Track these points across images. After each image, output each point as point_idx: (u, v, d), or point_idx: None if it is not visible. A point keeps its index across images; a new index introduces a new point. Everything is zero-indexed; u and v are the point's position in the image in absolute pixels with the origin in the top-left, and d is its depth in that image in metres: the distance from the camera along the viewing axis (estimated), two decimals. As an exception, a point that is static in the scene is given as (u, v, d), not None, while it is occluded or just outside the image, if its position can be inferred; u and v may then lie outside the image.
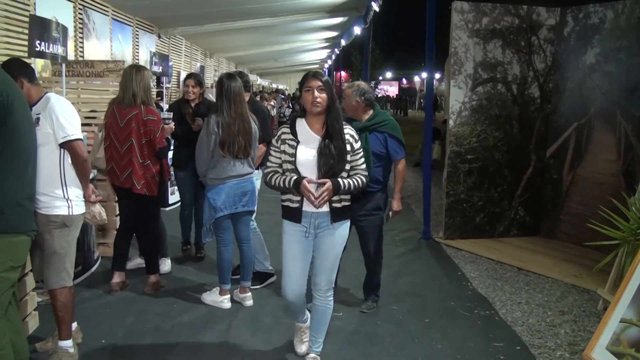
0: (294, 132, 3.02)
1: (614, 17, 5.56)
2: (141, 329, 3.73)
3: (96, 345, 3.48)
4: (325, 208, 3.01)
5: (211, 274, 4.69)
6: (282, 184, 2.98)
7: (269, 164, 3.11)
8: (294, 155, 2.97)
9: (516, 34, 5.98)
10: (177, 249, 5.28)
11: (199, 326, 3.82)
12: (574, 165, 5.98)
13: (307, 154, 2.97)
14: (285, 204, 3.09)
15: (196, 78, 5.09)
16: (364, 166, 3.09)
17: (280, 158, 3.04)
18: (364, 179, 3.04)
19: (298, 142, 2.99)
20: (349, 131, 3.05)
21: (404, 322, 3.99)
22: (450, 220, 6.02)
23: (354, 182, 2.98)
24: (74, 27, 7.49)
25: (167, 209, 6.99)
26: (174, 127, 4.56)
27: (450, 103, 5.92)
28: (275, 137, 3.08)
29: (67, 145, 3.05)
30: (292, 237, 3.08)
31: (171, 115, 4.67)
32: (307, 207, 3.01)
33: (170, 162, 5.37)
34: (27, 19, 4.98)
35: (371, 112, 3.97)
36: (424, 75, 22.53)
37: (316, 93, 2.93)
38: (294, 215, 3.05)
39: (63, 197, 3.09)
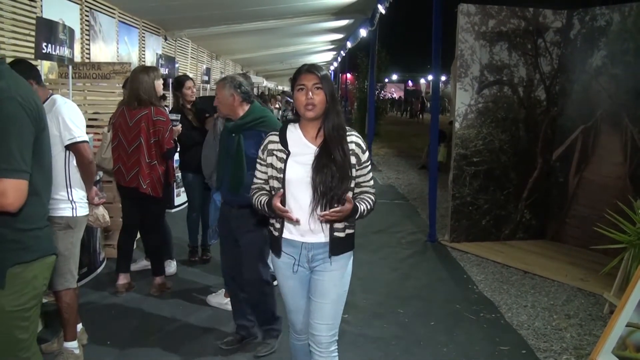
0: (283, 141, 2.42)
1: (621, 20, 5.53)
2: (146, 331, 3.75)
3: (101, 346, 3.49)
4: (323, 238, 2.41)
5: (217, 275, 4.69)
6: (259, 206, 2.43)
7: (255, 179, 2.55)
8: (283, 170, 2.38)
9: (522, 37, 5.97)
10: (182, 251, 5.29)
11: (204, 328, 3.83)
12: (580, 168, 5.95)
13: (298, 169, 2.36)
14: (270, 229, 2.55)
15: (192, 80, 5.30)
16: (372, 182, 2.49)
17: (266, 173, 2.47)
18: (373, 198, 2.45)
19: (288, 154, 2.39)
20: (354, 139, 2.42)
21: (409, 325, 3.98)
22: (456, 223, 6.01)
23: (366, 206, 2.40)
24: (81, 29, 7.51)
25: (173, 210, 7.02)
26: (181, 129, 4.58)
27: (456, 105, 5.91)
28: (262, 147, 2.49)
29: (73, 148, 3.07)
30: (283, 271, 2.53)
31: (179, 117, 4.70)
32: (290, 235, 2.44)
33: (177, 165, 5.40)
34: (34, 21, 5.00)
35: (247, 108, 3.37)
36: (430, 77, 22.53)
37: (310, 93, 2.31)
38: (274, 245, 2.50)
39: (67, 199, 3.10)
